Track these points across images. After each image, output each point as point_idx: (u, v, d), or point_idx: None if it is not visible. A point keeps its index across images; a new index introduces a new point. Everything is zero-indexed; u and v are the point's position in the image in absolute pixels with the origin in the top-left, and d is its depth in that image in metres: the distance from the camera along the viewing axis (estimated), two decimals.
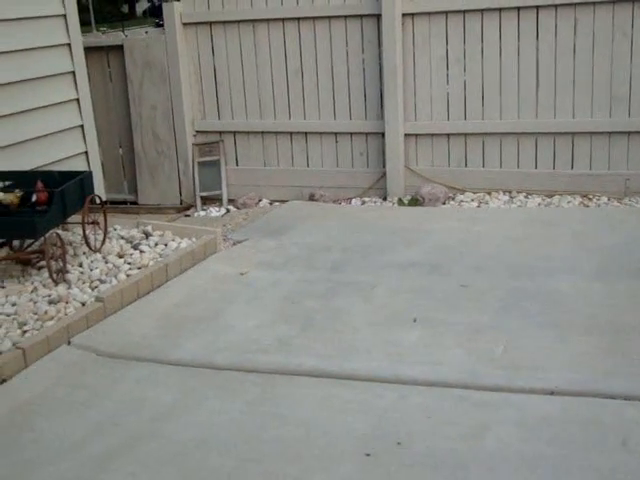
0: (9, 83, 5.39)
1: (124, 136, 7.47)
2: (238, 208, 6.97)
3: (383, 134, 6.66)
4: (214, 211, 7.06)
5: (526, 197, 6.36)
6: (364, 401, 3.33)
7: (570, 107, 6.22)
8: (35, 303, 4.42)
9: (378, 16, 6.47)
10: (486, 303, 4.21)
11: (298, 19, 6.76)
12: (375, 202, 6.71)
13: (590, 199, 6.19)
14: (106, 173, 7.10)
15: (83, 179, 5.15)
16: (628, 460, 2.81)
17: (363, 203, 6.73)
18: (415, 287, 4.53)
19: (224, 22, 6.99)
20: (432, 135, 6.63)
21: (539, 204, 6.21)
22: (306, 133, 6.99)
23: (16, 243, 5.05)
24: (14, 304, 4.42)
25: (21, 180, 5.07)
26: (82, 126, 6.08)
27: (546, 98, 6.26)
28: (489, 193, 6.48)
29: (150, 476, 2.94)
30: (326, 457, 2.97)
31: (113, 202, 7.18)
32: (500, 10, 6.21)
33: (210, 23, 7.05)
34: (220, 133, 7.26)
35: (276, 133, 7.08)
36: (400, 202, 6.53)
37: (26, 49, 5.52)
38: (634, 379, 3.31)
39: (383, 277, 4.70)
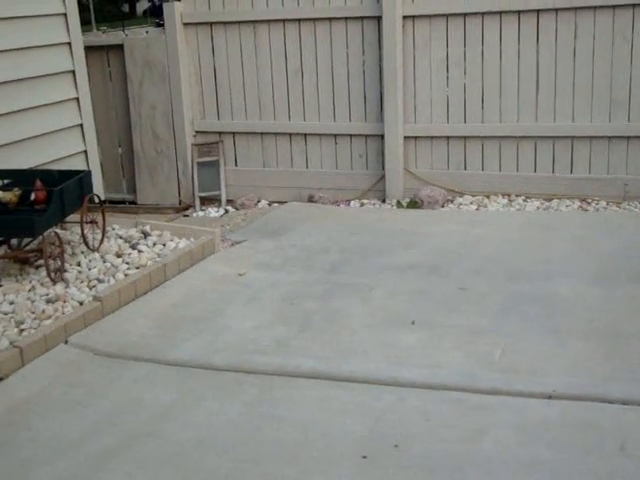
0: (8, 81, 5.38)
1: (123, 135, 7.46)
2: (237, 209, 6.97)
3: (382, 136, 6.66)
4: (213, 211, 7.06)
5: (525, 201, 6.36)
6: (362, 403, 3.33)
7: (570, 111, 6.22)
8: (33, 302, 4.42)
9: (379, 18, 6.48)
10: (485, 306, 4.21)
11: (299, 20, 6.76)
12: (374, 204, 6.71)
13: (589, 203, 6.19)
14: (105, 172, 7.09)
15: (82, 178, 5.14)
16: (626, 464, 2.81)
17: (362, 205, 6.73)
18: (414, 289, 4.52)
19: (225, 22, 6.99)
20: (431, 138, 6.63)
21: (538, 208, 6.21)
22: (305, 134, 6.99)
23: (14, 242, 5.03)
24: (12, 303, 4.41)
25: (20, 179, 5.06)
26: (81, 125, 6.08)
27: (546, 102, 6.27)
28: (488, 196, 6.48)
29: (147, 476, 2.93)
30: (324, 459, 2.96)
31: (112, 201, 7.18)
32: (501, 13, 6.22)
33: (211, 23, 7.04)
34: (219, 134, 7.26)
35: (275, 134, 7.08)
36: (399, 204, 6.53)
37: (26, 48, 5.51)
38: (632, 384, 3.31)
39: (382, 279, 4.70)
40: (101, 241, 5.25)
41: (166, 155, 7.29)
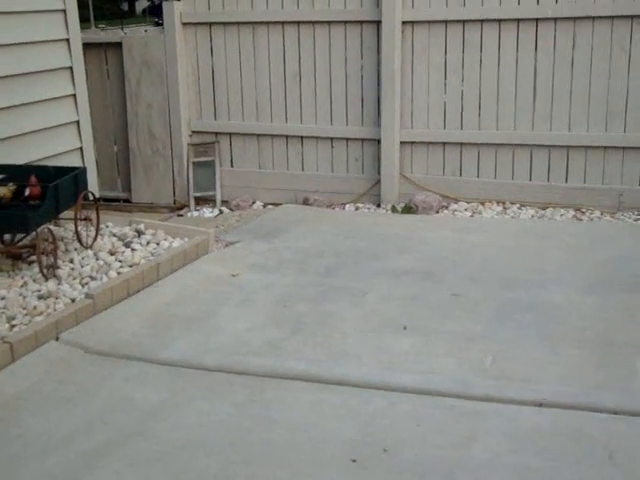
0: (5, 76, 5.37)
1: (119, 134, 7.45)
2: (231, 210, 6.96)
3: (379, 141, 6.67)
4: (207, 212, 7.05)
5: (519, 208, 6.37)
6: (353, 407, 3.32)
7: (566, 120, 6.24)
8: (24, 298, 4.40)
9: (378, 23, 6.48)
10: (478, 313, 4.21)
11: (298, 23, 6.76)
12: (369, 208, 6.71)
13: (583, 212, 6.21)
14: (100, 170, 7.08)
15: (77, 175, 5.13)
16: (615, 474, 2.82)
17: (357, 209, 6.73)
18: (407, 295, 4.52)
19: (224, 23, 6.99)
20: (428, 143, 6.64)
21: (532, 216, 6.22)
22: (302, 137, 6.99)
23: (7, 237, 5.01)
24: (3, 298, 4.39)
25: (15, 174, 5.04)
26: (78, 122, 6.07)
27: (543, 110, 6.28)
28: (483, 203, 6.49)
29: (137, 475, 2.91)
30: (313, 462, 2.95)
31: (106, 199, 7.15)
32: (500, 21, 6.23)
33: (210, 24, 7.04)
34: (216, 134, 7.25)
35: (272, 136, 7.08)
36: (394, 209, 6.54)
37: (24, 43, 5.51)
38: (623, 393, 3.31)
39: (375, 284, 4.70)
40: (95, 238, 5.23)
41: (162, 154, 7.28)
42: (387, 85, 6.50)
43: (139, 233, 5.44)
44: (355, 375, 3.57)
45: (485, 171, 6.54)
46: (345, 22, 6.64)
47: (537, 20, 6.15)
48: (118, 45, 7.25)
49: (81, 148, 6.11)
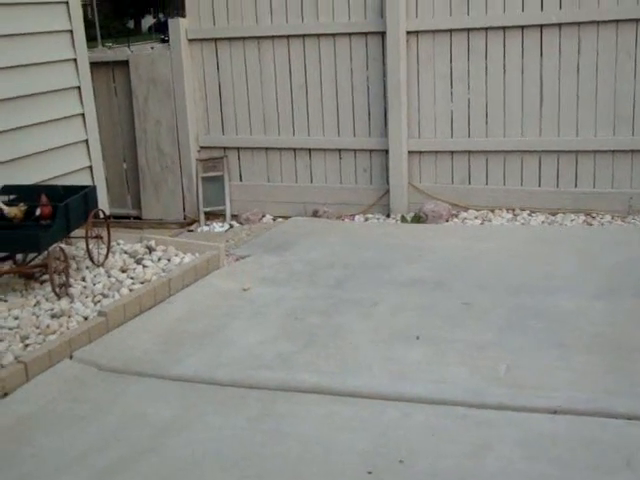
0: (15, 97, 5.42)
1: (128, 151, 7.49)
2: (241, 224, 6.98)
3: (387, 151, 6.68)
4: (217, 226, 7.07)
5: (530, 215, 6.36)
6: (366, 418, 3.32)
7: (574, 125, 6.23)
8: (37, 317, 4.42)
9: (383, 34, 6.50)
10: (489, 321, 4.20)
11: (303, 36, 6.80)
12: (378, 219, 6.72)
13: (593, 217, 6.19)
14: (110, 188, 7.11)
15: (87, 193, 5.16)
16: None
17: (366, 220, 6.74)
18: (418, 304, 4.52)
19: (229, 38, 7.03)
20: (436, 152, 6.64)
21: (542, 222, 6.21)
22: (310, 149, 7.01)
23: (19, 257, 5.05)
24: (17, 318, 4.42)
25: (25, 194, 5.08)
26: (87, 141, 6.11)
27: (550, 116, 6.28)
28: (492, 211, 6.48)
29: None
30: (327, 474, 2.95)
31: (116, 217, 7.18)
32: (504, 29, 6.24)
33: (215, 39, 7.08)
34: (224, 149, 7.28)
35: (280, 149, 7.10)
36: (403, 219, 6.54)
37: (32, 64, 5.55)
38: (636, 398, 3.29)
39: (386, 294, 4.70)
40: (106, 256, 5.26)
41: (171, 170, 7.32)
42: (393, 95, 6.52)
43: (150, 249, 5.47)
44: (367, 386, 3.57)
45: (494, 178, 6.53)
46: (350, 34, 6.66)
47: (541, 26, 6.16)
48: (125, 63, 7.30)
49: (90, 166, 6.15)
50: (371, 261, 5.33)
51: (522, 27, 6.20)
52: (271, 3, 6.82)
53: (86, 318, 4.41)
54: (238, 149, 7.25)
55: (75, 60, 5.95)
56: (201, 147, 7.32)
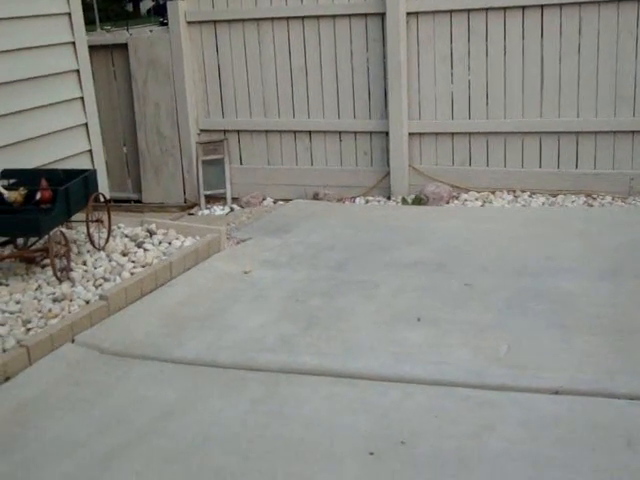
0: (13, 81, 5.40)
1: (128, 134, 7.47)
2: (242, 207, 6.98)
3: (387, 133, 6.66)
4: (218, 210, 7.06)
5: (530, 196, 6.35)
6: (368, 400, 3.32)
7: (575, 106, 6.21)
8: (39, 301, 4.43)
9: (382, 15, 6.47)
10: (491, 302, 4.20)
11: (302, 18, 6.76)
12: (379, 201, 6.71)
13: (594, 198, 6.18)
14: (110, 171, 7.11)
15: (87, 177, 5.15)
16: (634, 460, 2.80)
17: (367, 202, 6.73)
18: (419, 286, 4.52)
19: (228, 21, 7.00)
20: (436, 134, 6.62)
21: (543, 203, 6.20)
22: (310, 132, 6.99)
23: (20, 241, 5.05)
24: (18, 302, 4.42)
25: (25, 178, 5.07)
26: (86, 124, 6.10)
27: (550, 97, 6.25)
28: (493, 192, 6.47)
29: (154, 474, 2.93)
30: (330, 456, 2.96)
31: (117, 200, 7.18)
32: (505, 9, 6.21)
33: (214, 22, 7.05)
34: (224, 132, 7.26)
35: (280, 132, 7.08)
36: (404, 201, 6.53)
37: (31, 47, 5.53)
38: (639, 379, 3.29)
39: (387, 276, 4.70)
40: (107, 240, 5.25)
41: (171, 154, 7.30)
42: (393, 77, 6.49)
43: (151, 233, 5.46)
44: (369, 368, 3.57)
45: (495, 160, 6.52)
46: (349, 15, 6.63)
47: (542, 6, 6.12)
48: (124, 46, 7.27)
49: (90, 150, 6.13)
50: (372, 243, 5.32)
51: (523, 7, 6.17)
52: None
53: (87, 302, 4.41)
54: (238, 132, 7.23)
55: (74, 43, 5.93)
56: (201, 130, 7.30)
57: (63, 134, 5.85)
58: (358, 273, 4.79)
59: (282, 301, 4.44)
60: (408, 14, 6.42)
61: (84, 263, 4.99)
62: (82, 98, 6.04)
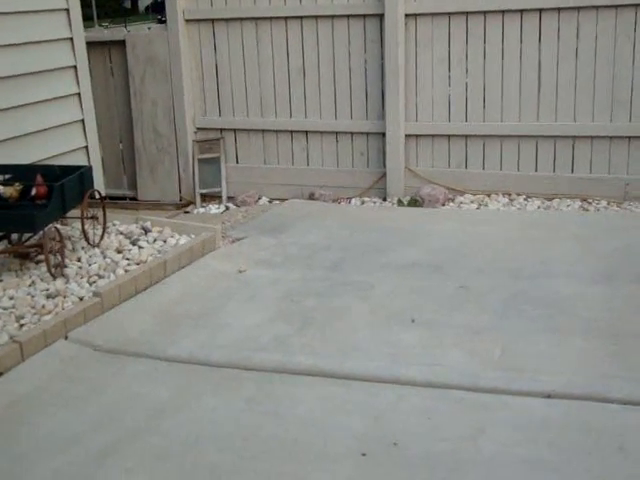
0: (10, 76, 5.38)
1: (125, 131, 7.46)
2: (237, 206, 6.97)
3: (384, 134, 6.66)
4: (213, 208, 7.05)
5: (526, 200, 6.35)
6: (362, 401, 3.32)
7: (571, 110, 6.22)
8: (33, 297, 4.41)
9: (381, 16, 6.47)
10: (486, 305, 4.21)
11: (301, 17, 6.75)
12: (375, 202, 6.71)
13: (590, 203, 6.19)
14: (106, 168, 7.09)
15: (83, 174, 5.14)
16: (626, 465, 2.81)
17: (363, 203, 6.73)
18: (414, 288, 4.52)
19: (227, 19, 6.99)
20: (433, 136, 6.62)
21: (539, 207, 6.20)
22: (307, 132, 6.98)
23: (15, 236, 5.03)
24: (12, 297, 4.40)
25: (21, 173, 5.06)
26: (83, 120, 6.08)
27: (547, 101, 6.26)
28: (489, 195, 6.47)
29: (147, 472, 2.93)
30: (323, 456, 2.96)
31: (112, 197, 7.17)
32: (503, 12, 6.21)
33: (213, 20, 7.04)
34: (221, 130, 7.25)
35: (277, 131, 7.07)
36: (400, 202, 6.53)
37: (28, 42, 5.51)
38: (632, 384, 3.30)
39: (382, 277, 4.70)
40: (101, 237, 5.24)
41: (167, 151, 7.29)
42: (391, 78, 6.49)
43: (146, 231, 5.45)
44: (364, 369, 3.57)
45: (491, 163, 6.52)
46: (348, 16, 6.62)
47: (540, 10, 6.12)
48: (122, 43, 7.25)
49: (86, 147, 6.12)
50: (367, 244, 5.32)
51: (521, 11, 6.17)
52: None
53: (81, 298, 4.40)
54: (235, 131, 7.22)
55: (71, 39, 5.91)
56: (197, 128, 7.29)
57: (59, 130, 5.83)
58: (353, 274, 4.79)
59: (277, 301, 4.43)
60: (407, 16, 6.41)
61: (78, 260, 4.97)
62: (79, 94, 6.02)
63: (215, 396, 3.43)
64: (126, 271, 4.77)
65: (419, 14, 6.42)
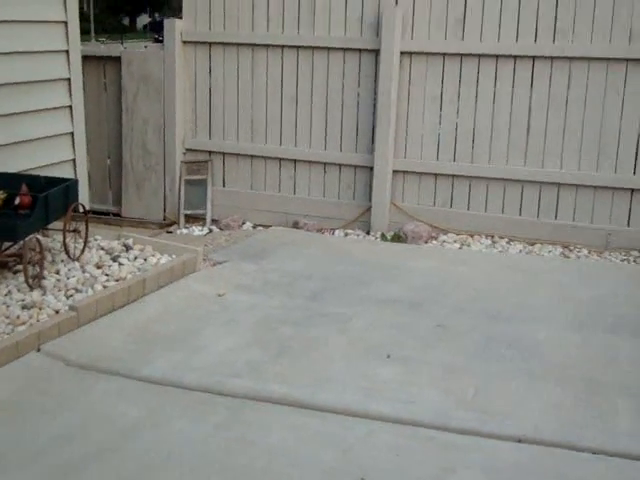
0: (3, 84, 5.37)
1: (113, 147, 7.45)
2: (221, 229, 6.96)
3: (372, 168, 6.70)
4: (197, 230, 7.04)
5: (508, 243, 6.40)
6: (333, 433, 3.30)
7: (558, 158, 6.29)
8: (8, 307, 4.37)
9: (377, 51, 6.54)
10: (462, 345, 4.21)
11: (297, 47, 6.81)
12: (358, 235, 6.72)
13: (571, 250, 6.23)
14: (92, 182, 7.07)
15: (68, 186, 5.12)
16: None
17: (346, 235, 6.74)
18: (393, 323, 4.52)
19: (224, 43, 7.03)
20: (420, 173, 6.67)
21: (520, 251, 6.24)
22: (295, 160, 7.01)
23: None
24: None
25: (6, 182, 5.03)
26: (72, 133, 6.07)
27: (535, 146, 6.33)
28: (472, 236, 6.51)
29: None
30: None
31: (96, 212, 7.14)
32: (497, 57, 6.30)
33: (210, 43, 7.08)
34: (210, 153, 7.26)
35: (265, 158, 7.10)
36: (383, 237, 6.55)
37: (24, 52, 5.51)
38: (603, 433, 3.31)
39: (362, 310, 4.69)
40: (82, 251, 5.21)
41: (154, 170, 7.28)
42: (382, 113, 6.54)
43: (127, 248, 5.43)
44: (337, 401, 3.55)
45: (476, 204, 6.57)
46: (344, 49, 6.69)
47: (534, 58, 6.22)
48: (117, 59, 7.27)
49: (74, 160, 6.10)
50: (349, 276, 5.32)
51: (515, 57, 6.26)
52: (268, 12, 6.84)
53: (57, 311, 4.36)
54: (223, 154, 7.24)
55: (67, 52, 5.92)
56: (187, 149, 7.29)
57: (48, 141, 5.82)
58: (333, 305, 4.78)
59: (254, 327, 4.42)
60: (402, 53, 6.49)
61: (57, 272, 4.94)
62: (71, 107, 6.02)
63: (185, 419, 3.39)
64: (105, 287, 4.74)
65: (414, 52, 6.50)
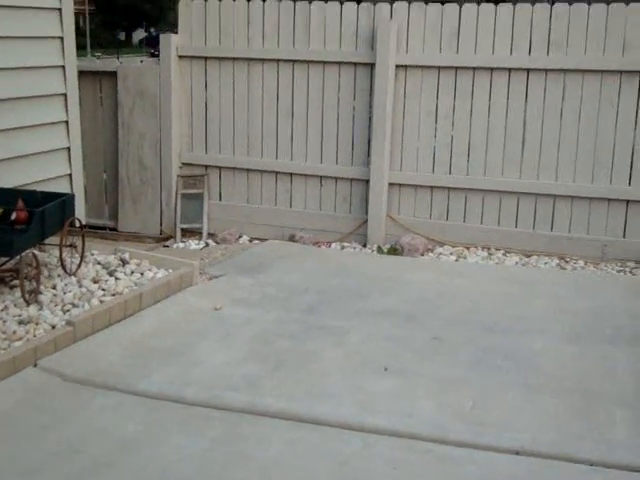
0: (0, 100, 5.38)
1: (109, 162, 7.46)
2: (217, 243, 6.96)
3: (368, 181, 6.71)
4: (193, 244, 7.04)
5: (504, 255, 6.41)
6: (330, 447, 3.30)
7: (554, 170, 6.31)
8: (4, 322, 4.36)
9: (372, 65, 6.56)
10: (459, 357, 4.21)
11: (293, 61, 6.84)
12: (354, 248, 6.73)
13: (567, 262, 6.25)
14: (88, 197, 7.08)
15: (65, 201, 5.13)
16: None
17: (342, 248, 6.75)
18: (389, 336, 4.52)
19: (220, 58, 7.05)
20: (416, 186, 6.68)
21: (517, 263, 6.25)
22: (291, 174, 7.02)
23: None
24: None
25: (2, 197, 5.04)
26: (69, 148, 6.09)
27: (531, 158, 6.35)
28: (468, 248, 6.52)
29: None
30: None
31: (93, 227, 7.14)
32: (492, 70, 6.33)
33: (206, 58, 7.11)
34: (206, 167, 7.27)
35: (261, 171, 7.11)
36: (379, 250, 6.56)
37: (20, 68, 5.53)
38: (600, 445, 3.31)
39: (358, 323, 4.70)
40: (79, 265, 5.21)
41: (151, 184, 7.29)
42: (378, 127, 6.57)
43: (124, 262, 5.43)
44: (334, 415, 3.55)
45: (471, 216, 6.58)
46: (339, 63, 6.72)
47: (528, 70, 6.25)
48: (113, 74, 7.29)
49: (70, 175, 6.11)
50: (345, 289, 5.33)
51: (509, 69, 6.29)
52: (264, 26, 6.87)
53: (54, 327, 4.36)
54: (220, 168, 7.25)
55: (63, 67, 5.94)
56: (183, 163, 7.30)
57: (44, 156, 5.83)
58: (329, 318, 4.78)
59: (251, 341, 4.41)
60: (397, 67, 6.51)
61: (54, 287, 4.94)
62: (67, 122, 6.04)
63: (182, 434, 3.39)
64: (101, 301, 4.74)
65: (409, 66, 6.52)
